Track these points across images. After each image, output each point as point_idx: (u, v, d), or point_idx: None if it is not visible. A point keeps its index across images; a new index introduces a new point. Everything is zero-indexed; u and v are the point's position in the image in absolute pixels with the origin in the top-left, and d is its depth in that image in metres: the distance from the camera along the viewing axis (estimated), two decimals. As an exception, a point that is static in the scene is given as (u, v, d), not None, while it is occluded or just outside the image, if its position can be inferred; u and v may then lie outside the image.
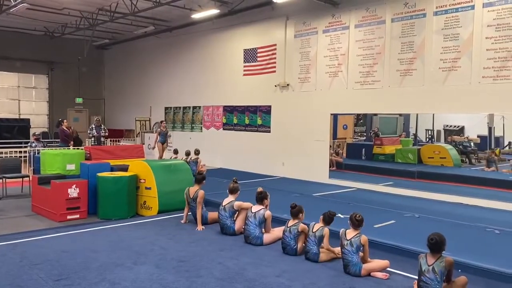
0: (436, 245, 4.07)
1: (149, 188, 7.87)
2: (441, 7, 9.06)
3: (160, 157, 13.43)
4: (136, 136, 18.10)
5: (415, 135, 17.73)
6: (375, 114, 15.51)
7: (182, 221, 7.10)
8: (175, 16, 14.88)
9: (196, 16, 13.14)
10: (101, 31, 17.09)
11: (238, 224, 6.33)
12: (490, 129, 15.19)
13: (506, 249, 5.63)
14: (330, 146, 11.96)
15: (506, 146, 16.14)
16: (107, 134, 14.50)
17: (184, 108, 16.30)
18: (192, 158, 11.37)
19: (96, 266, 4.98)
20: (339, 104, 11.12)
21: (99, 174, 7.79)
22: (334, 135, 13.99)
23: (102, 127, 14.37)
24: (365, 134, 17.39)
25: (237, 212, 6.43)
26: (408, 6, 9.56)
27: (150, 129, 17.89)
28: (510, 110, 9.02)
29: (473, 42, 8.63)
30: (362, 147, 15.20)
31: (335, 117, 13.98)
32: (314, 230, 5.25)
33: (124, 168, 8.38)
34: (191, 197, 6.85)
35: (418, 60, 9.44)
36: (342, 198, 9.12)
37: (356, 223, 4.86)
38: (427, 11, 9.27)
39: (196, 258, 5.32)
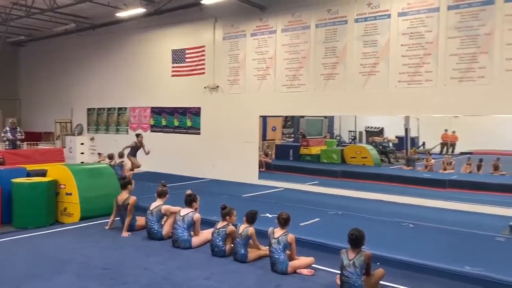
0: (356, 240, 4.29)
1: (70, 194, 7.46)
2: (361, 14, 9.57)
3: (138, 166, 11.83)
4: (56, 139, 17.07)
5: (339, 136, 18.61)
6: (302, 116, 16.03)
7: (107, 227, 6.82)
8: (98, 14, 14.26)
9: (121, 14, 12.71)
10: (17, 27, 15.89)
11: (166, 229, 6.20)
12: (406, 130, 16.36)
13: (419, 242, 6.07)
14: (260, 148, 12.13)
15: (421, 146, 17.46)
16: (23, 137, 13.52)
17: (109, 109, 15.66)
18: (116, 162, 10.94)
19: (10, 278, 4.63)
20: (268, 107, 11.32)
21: (14, 180, 7.24)
22: (264, 137, 14.23)
23: (18, 129, 13.37)
24: (293, 135, 17.93)
25: (165, 217, 6.31)
26: (331, 12, 9.99)
27: (71, 131, 16.97)
28: (424, 112, 9.72)
29: (390, 49, 9.22)
30: (290, 148, 15.65)
31: (264, 119, 14.21)
32: (240, 232, 5.30)
33: (42, 173, 7.87)
34: (121, 204, 6.60)
35: (340, 64, 9.89)
36: (271, 198, 9.28)
37: (283, 222, 4.99)
38: (349, 18, 9.76)
39: (121, 265, 5.14)
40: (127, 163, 11.36)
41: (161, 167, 12.87)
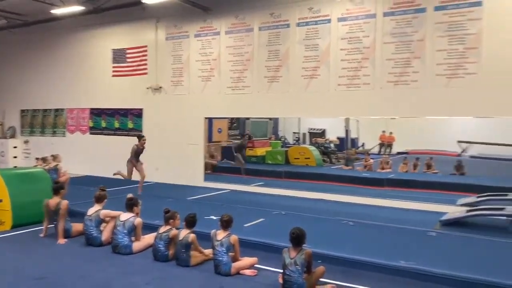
0: (297, 239, 4.39)
1: (1, 201, 7.00)
2: (303, 19, 9.80)
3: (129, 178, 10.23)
4: (-14, 143, 15.96)
5: (284, 137, 18.91)
6: (248, 118, 16.16)
7: (42, 235, 6.47)
8: (32, 10, 13.49)
9: (57, 11, 12.11)
10: None
11: (105, 234, 5.99)
12: (347, 131, 16.96)
13: (359, 239, 6.30)
14: (206, 150, 12.05)
15: (361, 146, 18.15)
16: None
17: (45, 111, 14.88)
18: (51, 166, 10.38)
19: None
20: (213, 108, 11.28)
21: None
22: (210, 139, 14.16)
23: None
24: (239, 137, 17.99)
25: (104, 222, 6.09)
26: (273, 16, 10.14)
27: (3, 134, 15.93)
28: (362, 115, 10.10)
29: (330, 53, 9.51)
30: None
31: (210, 120, 14.14)
32: (180, 238, 5.23)
33: (-32, 179, 7.31)
34: (53, 209, 6.28)
35: (283, 67, 10.06)
36: (216, 200, 9.26)
37: (225, 224, 5.00)
38: (291, 22, 9.96)
39: (57, 274, 4.90)
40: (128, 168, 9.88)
41: (101, 171, 12.41)
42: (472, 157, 15.27)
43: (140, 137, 10.15)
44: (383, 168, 13.14)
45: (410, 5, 8.64)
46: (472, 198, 8.59)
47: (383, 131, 17.29)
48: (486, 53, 8.01)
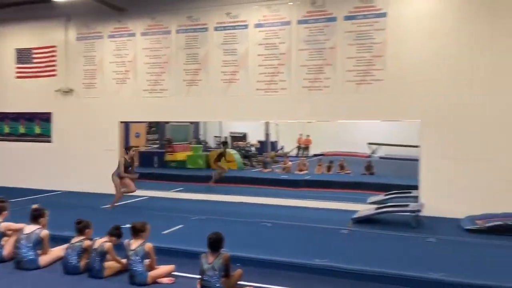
0: (214, 244, 4.37)
1: None
2: (221, 23, 9.83)
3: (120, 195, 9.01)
4: None
5: (205, 141, 18.80)
6: (167, 122, 15.85)
7: None
8: None
9: (-50, 5, 10.92)
10: None
11: (7, 249, 5.48)
12: (267, 135, 17.35)
13: (277, 240, 6.44)
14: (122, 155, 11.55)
15: (280, 149, 18.63)
16: None
17: None
18: None
19: None
20: (129, 112, 10.86)
21: None
22: (126, 144, 13.65)
23: None
24: (158, 141, 17.58)
25: (5, 236, 5.58)
26: (191, 19, 10.05)
27: None
28: (280, 119, 10.38)
29: (248, 58, 9.64)
30: (155, 154, 15.32)
31: (126, 125, 13.65)
32: (95, 247, 4.96)
33: None
34: None
35: (202, 71, 10.00)
36: (133, 208, 8.93)
37: (137, 232, 4.83)
38: (209, 25, 9.94)
39: None
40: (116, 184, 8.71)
41: (4, 180, 11.38)
42: (381, 158, 16.45)
43: (129, 149, 9.33)
44: (300, 170, 13.63)
45: (322, 14, 9.06)
46: (380, 196, 9.21)
47: (300, 135, 18.03)
48: (391, 61, 8.64)
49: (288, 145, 18.80)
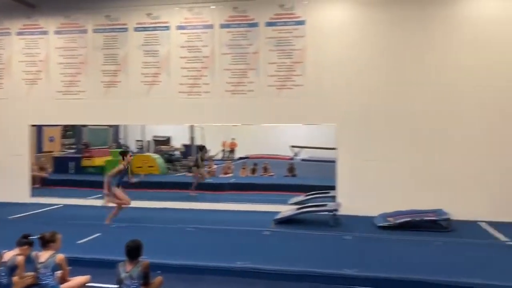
0: (132, 252, 4.21)
1: None
2: (141, 24, 9.57)
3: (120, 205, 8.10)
4: None
5: (126, 145, 18.11)
6: (84, 125, 15.02)
7: None
8: None
9: None
10: None
11: None
12: (192, 138, 17.13)
13: (199, 244, 6.37)
14: (34, 161, 10.74)
15: (205, 153, 18.43)
16: None
17: None
18: None
19: None
20: (41, 115, 10.15)
21: None
22: (39, 149, 12.72)
23: None
24: (74, 146, 16.58)
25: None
26: (110, 18, 9.67)
27: None
28: (204, 122, 10.32)
29: (170, 60, 9.47)
30: (71, 160, 14.44)
31: (39, 128, 12.70)
32: (5, 260, 4.55)
33: None
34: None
35: (122, 72, 9.65)
36: (45, 218, 8.37)
37: (47, 242, 4.53)
38: (129, 26, 9.62)
39: None
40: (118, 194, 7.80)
41: None
42: (303, 160, 16.98)
43: (125, 154, 8.16)
44: (225, 173, 13.66)
45: (244, 19, 9.18)
46: (301, 197, 9.51)
47: (232, 139, 18.05)
48: (310, 67, 8.97)
49: (214, 149, 18.73)
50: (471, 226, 7.75)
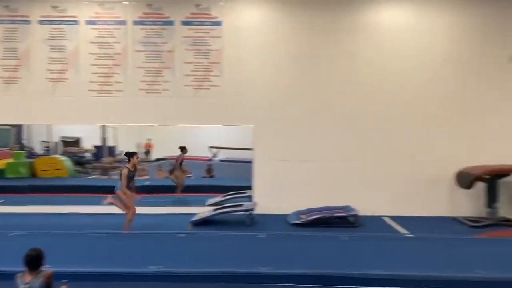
0: (32, 262, 3.88)
1: None
2: (46, 17, 8.92)
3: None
4: None
5: (29, 147, 16.76)
6: (-20, 125, 13.65)
7: None
8: None
9: None
10: None
11: None
12: (104, 139, 16.34)
13: (109, 250, 6.07)
14: None
15: (119, 155, 17.77)
16: None
17: None
18: None
19: None
20: None
21: None
22: None
23: None
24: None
25: None
26: (9, 9, 8.88)
27: None
28: (116, 122, 9.89)
29: (79, 56, 8.94)
30: (-37, 163, 13.03)
31: None
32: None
33: None
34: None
35: (23, 68, 8.92)
36: None
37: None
38: (32, 18, 8.91)
39: None
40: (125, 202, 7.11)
41: None
42: (222, 161, 17.05)
43: (131, 155, 7.33)
44: (140, 176, 13.19)
45: (159, 16, 8.96)
46: (219, 198, 9.51)
47: (148, 139, 17.51)
48: (227, 68, 9.00)
49: (130, 150, 18.01)
50: (376, 221, 8.31)
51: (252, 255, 5.75)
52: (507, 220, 8.29)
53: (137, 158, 7.46)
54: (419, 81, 8.98)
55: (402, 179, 8.93)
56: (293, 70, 9.04)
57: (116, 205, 7.43)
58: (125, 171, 7.22)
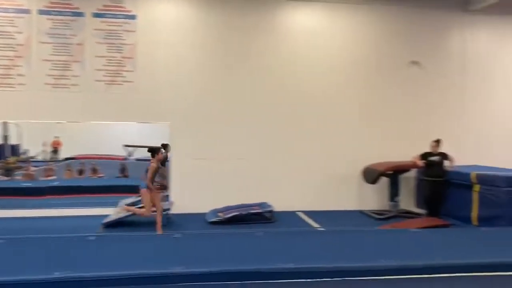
0: None
1: None
2: None
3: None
4: None
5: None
6: None
7: None
8: None
9: None
10: None
11: None
12: (5, 137, 14.98)
13: (7, 257, 5.57)
14: None
15: (23, 153, 16.42)
16: None
17: None
18: None
19: None
20: None
21: None
22: None
23: None
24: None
25: None
26: None
27: None
28: (19, 118, 9.15)
29: (-26, 45, 8.13)
30: None
31: None
32: None
33: None
34: None
35: None
36: None
37: None
38: None
39: None
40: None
41: None
42: (137, 160, 16.42)
43: (157, 150, 7.09)
44: (48, 176, 12.35)
45: (67, 7, 8.45)
46: (133, 198, 9.16)
47: (56, 137, 16.27)
48: (141, 63, 8.74)
49: (34, 149, 16.73)
50: (291, 216, 8.60)
51: (166, 255, 5.62)
52: (407, 212, 9.04)
53: (161, 154, 7.35)
54: (330, 82, 9.46)
55: (315, 176, 9.34)
56: (209, 68, 9.03)
57: (146, 204, 7.17)
58: (154, 165, 7.06)
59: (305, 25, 9.35)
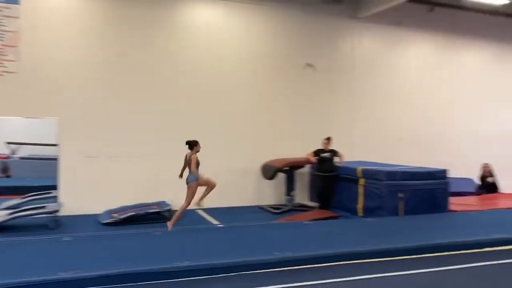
0: None
1: None
2: None
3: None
4: None
5: None
6: None
7: None
8: None
9: None
10: None
11: None
12: None
13: None
14: None
15: None
16: None
17: None
18: None
19: None
20: None
21: None
22: None
23: None
24: None
25: None
26: None
27: None
28: None
29: None
30: None
31: None
32: None
33: None
34: None
35: None
36: None
37: None
38: None
39: None
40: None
41: None
42: (22, 158, 14.96)
43: (195, 144, 7.11)
44: None
45: None
46: (16, 200, 8.38)
47: None
48: (26, 53, 8.00)
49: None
50: (190, 214, 8.52)
51: (54, 260, 5.23)
52: (302, 205, 9.53)
53: (192, 150, 7.20)
54: (231, 80, 9.59)
55: (216, 173, 9.37)
56: (102, 61, 8.60)
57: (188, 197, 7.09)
58: (195, 156, 7.08)
59: (208, 21, 9.37)
